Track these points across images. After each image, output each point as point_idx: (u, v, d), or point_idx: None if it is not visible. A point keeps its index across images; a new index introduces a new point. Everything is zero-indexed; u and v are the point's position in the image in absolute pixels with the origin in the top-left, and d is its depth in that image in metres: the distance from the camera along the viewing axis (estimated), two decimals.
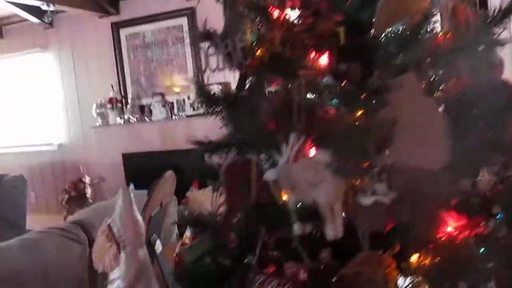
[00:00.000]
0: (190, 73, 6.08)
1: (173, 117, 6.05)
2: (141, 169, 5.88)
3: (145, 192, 3.76)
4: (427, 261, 1.01)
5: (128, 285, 1.36)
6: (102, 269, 1.43)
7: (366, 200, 0.99)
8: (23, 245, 2.49)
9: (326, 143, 0.98)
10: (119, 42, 6.23)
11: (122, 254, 1.37)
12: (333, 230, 0.96)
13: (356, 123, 1.00)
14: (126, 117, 6.04)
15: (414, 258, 1.04)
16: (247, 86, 1.26)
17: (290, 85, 1.10)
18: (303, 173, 0.96)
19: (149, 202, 1.66)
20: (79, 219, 3.19)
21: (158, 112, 6.00)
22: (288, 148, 1.01)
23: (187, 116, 6.00)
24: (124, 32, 6.20)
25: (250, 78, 1.27)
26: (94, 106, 6.09)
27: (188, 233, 2.10)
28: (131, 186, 5.52)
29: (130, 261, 1.37)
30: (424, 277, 1.01)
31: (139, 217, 1.42)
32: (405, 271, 1.05)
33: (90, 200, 5.62)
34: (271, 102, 1.12)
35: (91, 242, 3.08)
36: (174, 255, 1.87)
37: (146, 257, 1.42)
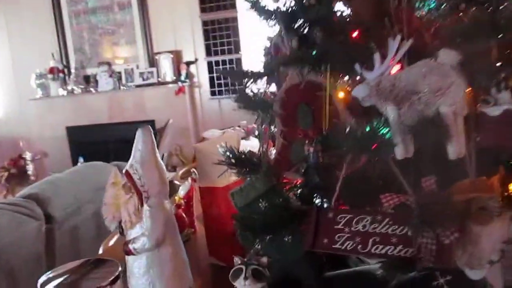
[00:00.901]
0: (139, 41, 5.71)
1: (121, 87, 5.68)
2: (88, 143, 5.50)
3: (100, 164, 3.47)
4: None
5: (155, 243, 1.12)
6: (118, 227, 1.18)
7: (495, 111, 0.83)
8: None
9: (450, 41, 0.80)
10: (59, 7, 5.72)
11: (146, 207, 1.12)
12: (457, 147, 0.79)
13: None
14: (69, 88, 5.59)
15: None
16: None
17: None
18: (424, 79, 0.78)
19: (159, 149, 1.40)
20: (32, 193, 2.87)
21: (105, 82, 5.60)
22: (391, 52, 0.82)
23: (136, 86, 5.66)
24: None
25: None
26: (33, 76, 5.57)
27: (181, 192, 1.87)
28: (81, 159, 5.14)
29: (156, 215, 1.13)
30: None
31: (162, 163, 1.17)
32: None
33: (33, 177, 5.16)
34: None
35: (49, 218, 2.79)
36: None
37: (172, 210, 1.18)
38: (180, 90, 5.76)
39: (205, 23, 5.82)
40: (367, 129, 0.85)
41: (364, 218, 0.89)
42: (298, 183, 1.06)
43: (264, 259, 1.06)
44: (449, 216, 0.81)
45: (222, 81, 5.99)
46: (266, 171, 1.05)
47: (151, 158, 1.15)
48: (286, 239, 1.00)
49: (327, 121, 0.96)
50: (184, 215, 1.75)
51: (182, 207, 1.80)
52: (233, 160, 1.09)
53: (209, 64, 5.98)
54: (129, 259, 1.16)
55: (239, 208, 1.06)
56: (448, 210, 0.81)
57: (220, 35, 5.88)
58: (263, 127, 1.11)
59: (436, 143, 0.82)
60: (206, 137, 5.09)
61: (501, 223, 0.83)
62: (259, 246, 1.11)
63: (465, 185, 0.87)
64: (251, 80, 1.13)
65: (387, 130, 0.86)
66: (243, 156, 1.09)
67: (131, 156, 1.16)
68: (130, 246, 1.13)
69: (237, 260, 1.08)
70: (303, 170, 1.00)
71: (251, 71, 1.16)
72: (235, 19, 5.65)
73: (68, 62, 5.77)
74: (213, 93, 6.01)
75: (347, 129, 0.90)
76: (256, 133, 1.16)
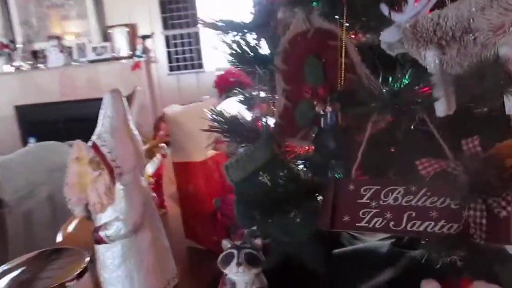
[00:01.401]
0: (91, 14, 5.36)
1: (73, 63, 5.33)
2: (38, 122, 5.16)
3: (54, 143, 3.21)
4: None
5: (133, 228, 0.94)
6: (84, 211, 0.98)
7: None
8: None
9: None
10: None
11: (119, 186, 0.93)
12: None
13: None
14: (16, 64, 5.19)
15: None
16: None
17: None
18: (482, 14, 0.62)
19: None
20: None
21: (55, 58, 5.24)
22: None
23: (89, 61, 5.33)
24: None
25: None
26: None
27: (149, 170, 1.68)
28: (32, 140, 4.79)
29: (133, 194, 0.94)
30: None
31: (137, 132, 0.98)
32: None
33: None
34: None
35: None
36: None
37: (148, 188, 1.00)
38: (136, 66, 5.47)
39: None
40: (405, 80, 0.69)
41: (395, 190, 0.74)
42: (306, 151, 0.89)
43: (259, 241, 0.90)
44: (505, 182, 0.66)
45: (181, 56, 5.72)
46: (266, 138, 0.88)
47: (124, 127, 0.96)
48: (295, 218, 0.83)
49: (343, 76, 0.79)
50: (154, 195, 1.57)
51: (152, 186, 1.61)
52: (225, 126, 0.91)
53: (167, 39, 5.69)
54: (100, 248, 0.97)
55: (236, 183, 0.88)
56: (503, 175, 0.66)
57: (177, 7, 5.59)
58: (260, 87, 0.93)
59: (488, 95, 0.67)
60: (168, 112, 4.85)
61: None
62: (257, 227, 0.95)
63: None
64: (240, 32, 0.94)
65: (424, 82, 0.70)
66: (237, 122, 0.90)
67: (98, 125, 0.95)
68: (102, 233, 0.94)
69: (226, 243, 0.92)
70: (313, 135, 0.83)
71: (243, 22, 0.97)
72: None
73: (13, 36, 5.34)
74: (171, 69, 5.74)
75: (374, 84, 0.74)
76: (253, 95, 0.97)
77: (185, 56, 5.72)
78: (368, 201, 0.75)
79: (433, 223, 0.71)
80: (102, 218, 0.95)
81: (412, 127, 0.75)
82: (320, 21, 0.83)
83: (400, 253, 0.91)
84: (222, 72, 5.36)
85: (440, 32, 0.67)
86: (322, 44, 0.85)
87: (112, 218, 0.94)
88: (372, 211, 0.75)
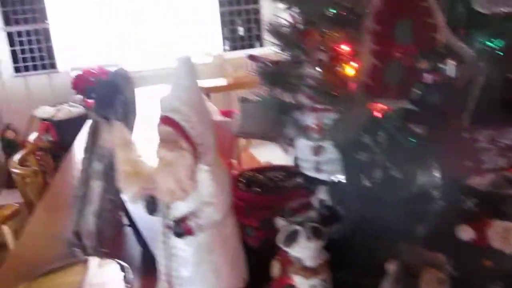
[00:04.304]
0: None
1: None
2: None
3: None
4: None
5: (225, 214, 0.82)
6: (146, 204, 0.82)
7: None
8: None
9: None
10: None
11: (203, 167, 0.80)
12: None
13: None
14: None
15: None
16: None
17: None
18: None
19: None
20: None
21: None
22: None
23: None
24: None
25: None
26: None
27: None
28: None
29: (220, 175, 0.81)
30: None
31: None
32: None
33: None
34: None
35: None
36: None
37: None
38: None
39: None
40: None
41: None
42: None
43: (314, 213, 0.87)
44: None
45: (29, 55, 5.14)
46: (361, 97, 0.85)
47: (201, 98, 0.83)
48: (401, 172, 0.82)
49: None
50: None
51: None
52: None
53: (10, 36, 5.06)
54: (179, 242, 0.82)
55: (339, 146, 0.83)
56: None
57: (21, 0, 5.01)
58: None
59: None
60: (38, 115, 4.31)
61: None
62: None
63: None
64: None
65: None
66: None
67: (169, 97, 0.81)
68: (191, 223, 0.80)
69: (280, 221, 0.88)
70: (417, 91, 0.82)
71: None
72: None
73: None
74: (17, 70, 5.12)
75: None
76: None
77: (33, 55, 5.15)
78: (486, 144, 0.78)
79: None
80: (179, 207, 0.81)
81: None
82: None
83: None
84: (80, 72, 4.98)
85: None
86: (412, 4, 0.85)
87: (194, 205, 0.81)
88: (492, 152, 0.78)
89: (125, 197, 0.84)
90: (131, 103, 1.06)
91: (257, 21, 5.82)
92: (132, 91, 1.07)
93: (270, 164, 1.42)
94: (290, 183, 1.30)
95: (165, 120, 0.79)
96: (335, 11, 0.88)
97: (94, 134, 1.23)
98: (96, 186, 1.20)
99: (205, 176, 0.80)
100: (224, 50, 5.73)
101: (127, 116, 1.06)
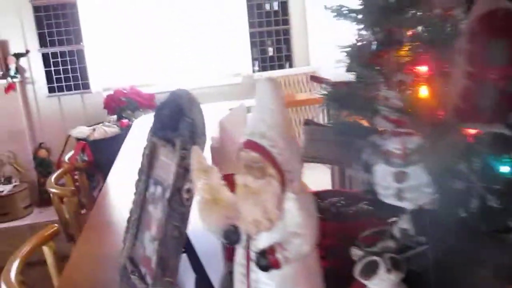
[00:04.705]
0: None
1: None
2: None
3: None
4: None
5: (313, 245, 0.77)
6: (225, 235, 0.78)
7: None
8: None
9: None
10: None
11: (290, 195, 0.75)
12: None
13: None
14: None
15: None
16: None
17: None
18: None
19: None
20: None
21: None
22: None
23: None
24: None
25: None
26: None
27: None
28: None
29: (307, 204, 0.77)
30: None
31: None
32: None
33: None
34: None
35: None
36: None
37: None
38: (10, 87, 4.84)
39: (37, 9, 4.98)
40: None
41: None
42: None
43: (391, 243, 0.82)
44: None
45: (63, 76, 5.21)
46: (453, 121, 0.80)
47: (287, 123, 0.79)
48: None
49: None
50: None
51: None
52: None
53: (45, 57, 5.15)
54: (263, 276, 0.77)
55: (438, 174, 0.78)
56: None
57: (56, 23, 5.09)
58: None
59: None
60: (74, 135, 4.34)
61: None
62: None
63: None
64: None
65: None
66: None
67: (253, 121, 0.77)
68: (279, 255, 0.75)
69: (357, 251, 0.83)
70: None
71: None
72: (73, 5, 4.96)
73: None
74: (51, 90, 5.19)
75: None
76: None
77: (67, 76, 5.22)
78: None
79: None
80: (263, 238, 0.77)
81: None
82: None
83: None
84: (111, 92, 5.02)
85: None
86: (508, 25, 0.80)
87: (279, 236, 0.76)
88: None
89: (204, 226, 0.79)
90: (199, 125, 1.02)
91: (287, 42, 5.81)
92: (200, 112, 1.03)
93: (327, 189, 1.37)
94: (355, 209, 1.24)
95: (251, 145, 0.75)
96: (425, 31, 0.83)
97: (151, 157, 1.19)
98: (153, 211, 1.16)
99: (292, 205, 0.76)
100: (254, 71, 5.72)
101: (195, 139, 1.03)
